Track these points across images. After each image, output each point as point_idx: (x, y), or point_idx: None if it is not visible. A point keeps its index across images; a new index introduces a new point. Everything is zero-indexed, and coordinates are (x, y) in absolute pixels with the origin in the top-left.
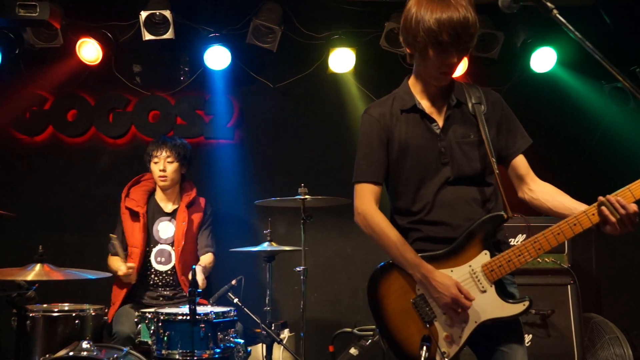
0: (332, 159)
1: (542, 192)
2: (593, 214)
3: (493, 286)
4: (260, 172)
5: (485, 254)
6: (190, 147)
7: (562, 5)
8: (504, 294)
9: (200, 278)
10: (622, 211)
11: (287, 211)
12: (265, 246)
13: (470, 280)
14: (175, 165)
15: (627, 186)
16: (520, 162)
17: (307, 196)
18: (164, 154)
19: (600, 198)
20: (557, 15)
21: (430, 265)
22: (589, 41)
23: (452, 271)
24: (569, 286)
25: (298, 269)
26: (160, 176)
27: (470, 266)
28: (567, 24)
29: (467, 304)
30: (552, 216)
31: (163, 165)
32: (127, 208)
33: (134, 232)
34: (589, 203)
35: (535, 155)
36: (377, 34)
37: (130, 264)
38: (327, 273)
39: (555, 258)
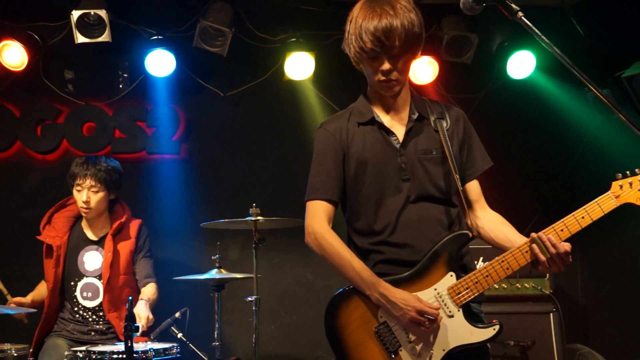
0: (289, 176)
1: (488, 221)
2: (527, 251)
3: (460, 310)
4: (209, 191)
5: (451, 275)
6: (120, 169)
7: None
8: (472, 318)
9: (144, 315)
10: (552, 250)
11: (238, 234)
12: (213, 274)
13: (436, 305)
14: (100, 195)
15: (583, 207)
16: (474, 186)
17: (259, 217)
18: (87, 182)
19: (532, 235)
20: (523, 18)
21: (389, 284)
22: (571, 44)
23: (416, 295)
24: (551, 314)
25: (249, 298)
26: (83, 207)
27: (435, 289)
28: (534, 28)
29: (434, 312)
30: (494, 247)
31: (86, 195)
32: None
33: (48, 265)
34: None
35: (513, 168)
36: (338, 36)
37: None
38: (285, 303)
39: (535, 283)
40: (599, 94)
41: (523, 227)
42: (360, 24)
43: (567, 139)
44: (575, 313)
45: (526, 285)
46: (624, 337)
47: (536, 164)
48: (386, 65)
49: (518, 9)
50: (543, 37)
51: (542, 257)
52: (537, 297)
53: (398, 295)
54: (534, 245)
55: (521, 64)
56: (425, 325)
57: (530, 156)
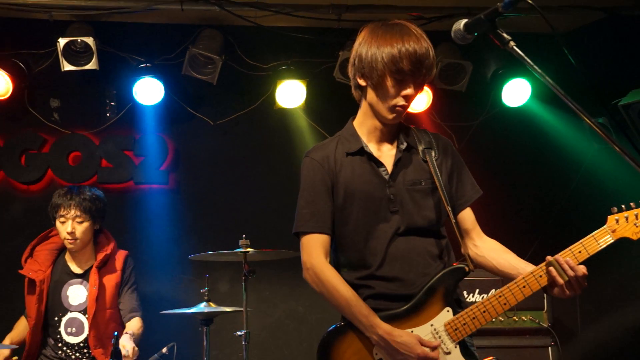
0: (280, 207)
1: (487, 249)
2: (541, 276)
3: (458, 347)
4: (198, 222)
5: (448, 311)
6: (104, 198)
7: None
8: (468, 354)
9: (130, 346)
10: (570, 273)
11: (228, 266)
12: (202, 307)
13: (435, 343)
14: (85, 225)
15: (580, 241)
16: (468, 215)
17: (249, 249)
18: (72, 212)
19: (549, 258)
20: (515, 48)
21: (389, 325)
22: (566, 72)
23: (412, 332)
24: (549, 348)
25: (239, 333)
26: (67, 239)
27: (432, 325)
28: (525, 57)
29: (435, 356)
30: (497, 275)
31: (71, 226)
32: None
33: (30, 301)
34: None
35: (509, 197)
36: (330, 64)
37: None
38: (276, 337)
39: (533, 316)
40: (592, 124)
41: (520, 257)
42: (394, 43)
43: (564, 167)
44: (575, 347)
45: (523, 317)
46: None
47: (532, 192)
48: (410, 90)
49: (509, 38)
50: (535, 66)
51: (560, 281)
52: (535, 330)
53: (399, 339)
54: (551, 268)
55: (516, 92)
56: None
57: (526, 185)
